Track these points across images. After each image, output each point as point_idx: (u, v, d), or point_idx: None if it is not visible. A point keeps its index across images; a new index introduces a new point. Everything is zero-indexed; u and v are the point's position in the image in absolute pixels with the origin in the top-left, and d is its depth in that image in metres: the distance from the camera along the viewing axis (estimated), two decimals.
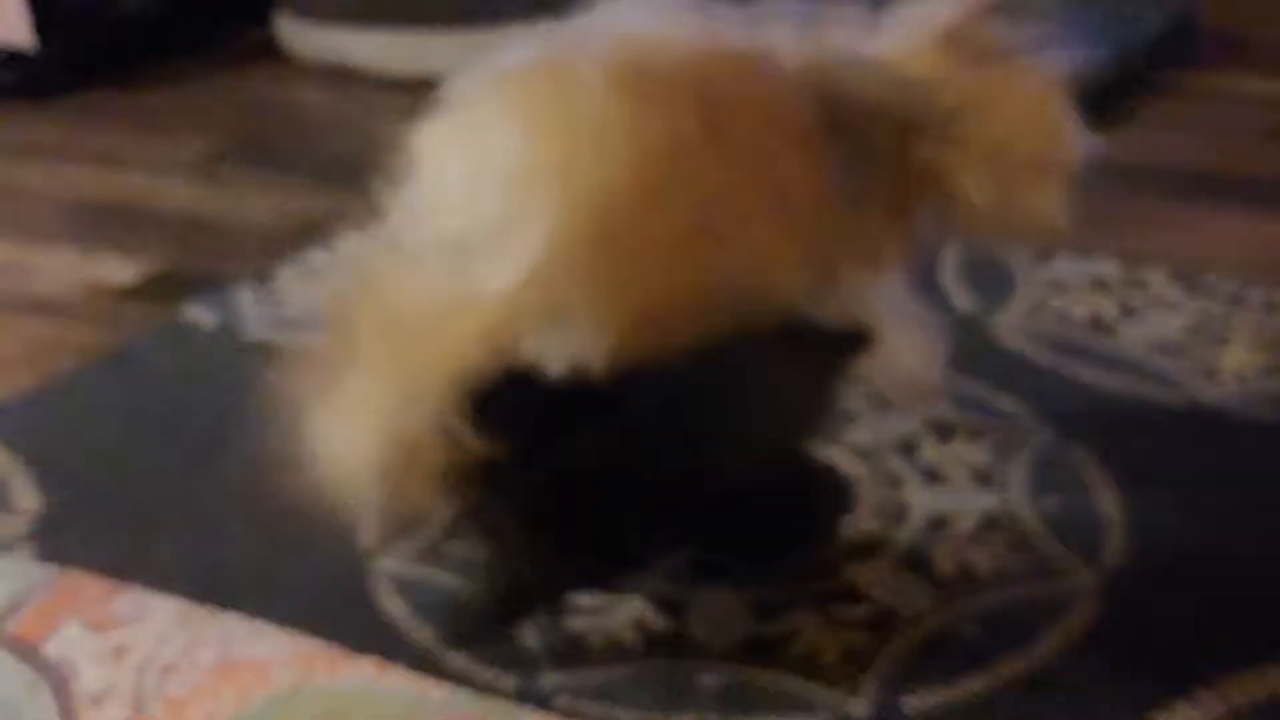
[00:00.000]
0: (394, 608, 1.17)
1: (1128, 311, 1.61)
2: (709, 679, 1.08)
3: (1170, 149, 2.15)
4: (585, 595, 1.13)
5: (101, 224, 2.08)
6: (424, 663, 1.06)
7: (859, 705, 1.05)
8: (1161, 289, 1.66)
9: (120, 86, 2.70)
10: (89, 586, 0.89)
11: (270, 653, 0.75)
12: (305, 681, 0.72)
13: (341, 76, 2.72)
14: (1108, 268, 1.72)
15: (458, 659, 1.09)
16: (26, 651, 0.81)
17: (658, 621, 1.14)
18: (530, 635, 1.13)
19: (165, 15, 2.82)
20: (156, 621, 0.82)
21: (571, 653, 1.11)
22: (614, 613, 1.15)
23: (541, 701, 1.04)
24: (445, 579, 1.20)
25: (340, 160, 2.33)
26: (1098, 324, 1.59)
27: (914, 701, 1.05)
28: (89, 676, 0.78)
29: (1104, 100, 2.30)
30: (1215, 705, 1.03)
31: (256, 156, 2.31)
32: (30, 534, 1.28)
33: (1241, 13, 2.66)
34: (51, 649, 0.81)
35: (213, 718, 0.72)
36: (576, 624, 1.14)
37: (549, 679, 1.08)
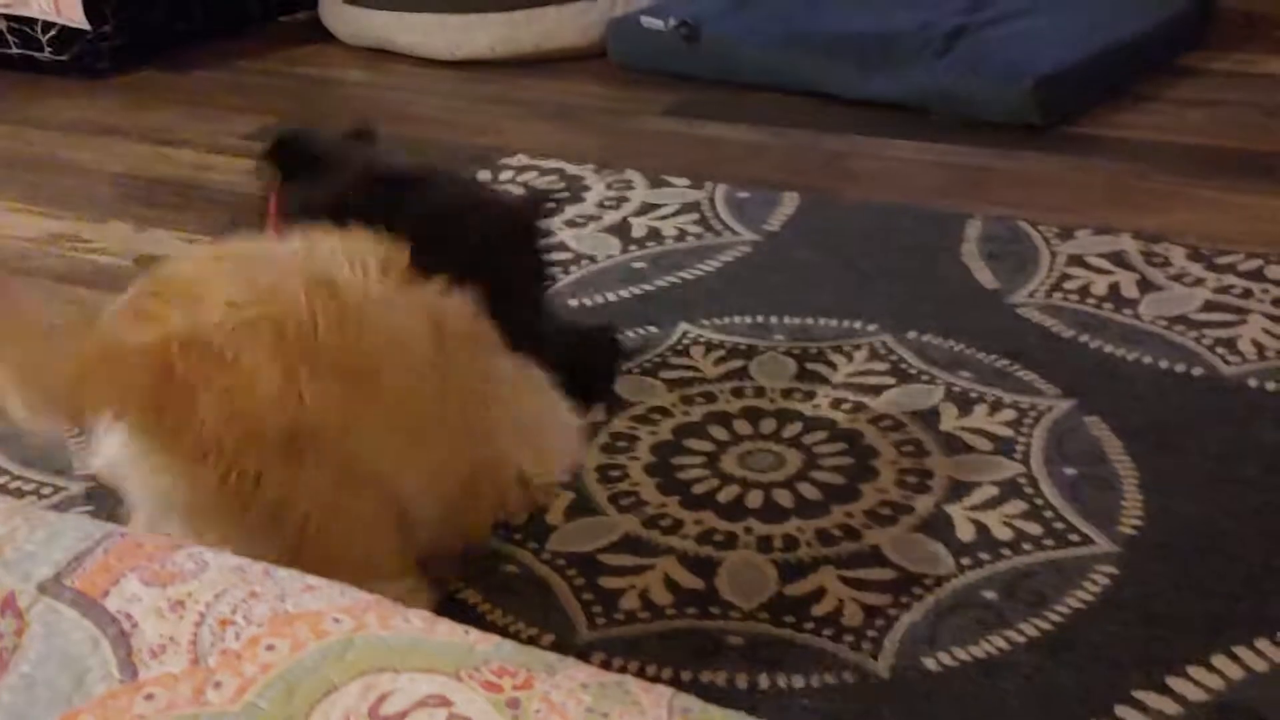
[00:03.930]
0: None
1: (1148, 287, 1.63)
2: (736, 637, 1.12)
3: (1189, 128, 2.16)
4: None
5: (153, 198, 2.12)
6: (470, 618, 1.11)
7: (881, 665, 1.08)
8: (1182, 265, 1.68)
9: (171, 67, 2.75)
10: (148, 543, 0.90)
11: (323, 605, 0.77)
12: (357, 633, 0.75)
13: (384, 58, 2.77)
14: (1128, 244, 1.74)
15: (496, 614, 1.14)
16: (88, 606, 0.82)
17: (687, 581, 1.19)
18: (566, 593, 1.17)
19: None
20: (213, 576, 0.83)
21: (605, 609, 1.16)
22: (646, 572, 1.20)
23: (577, 656, 1.08)
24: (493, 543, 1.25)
25: (382, 136, 2.37)
26: (1118, 299, 1.61)
27: (934, 662, 1.08)
28: (149, 630, 0.78)
29: (1124, 80, 2.31)
30: (1232, 670, 1.05)
31: None
32: (86, 496, 1.34)
33: None
34: (112, 603, 0.81)
35: (268, 668, 0.74)
36: (610, 582, 1.19)
37: (583, 635, 1.13)
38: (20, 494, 1.35)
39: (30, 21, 2.70)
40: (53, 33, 2.69)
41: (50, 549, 0.85)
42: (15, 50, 2.74)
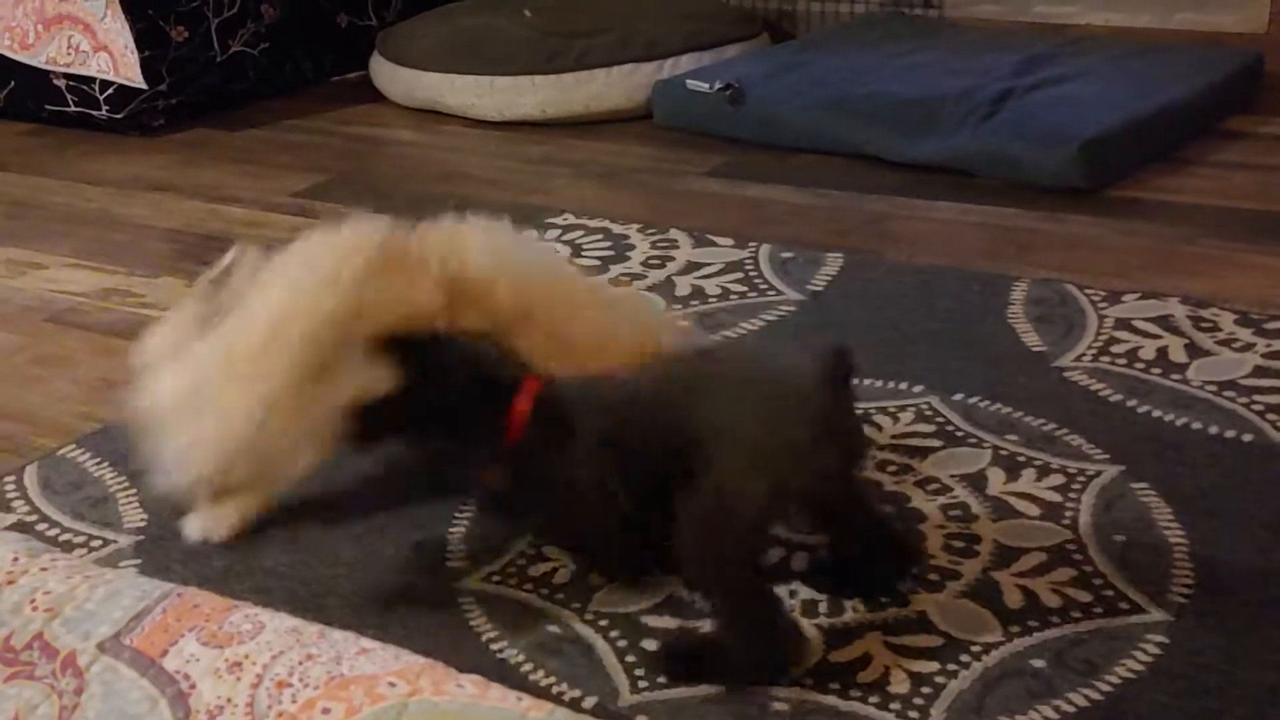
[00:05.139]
0: (478, 623, 1.22)
1: (1196, 352, 1.63)
2: (781, 703, 1.11)
3: (1237, 192, 2.16)
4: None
5: (205, 254, 2.15)
6: (512, 678, 1.11)
7: None
8: (1231, 330, 1.67)
9: (224, 125, 2.81)
10: (205, 603, 0.91)
11: (378, 669, 0.78)
12: (411, 698, 0.75)
13: (434, 119, 2.81)
14: (1176, 308, 1.74)
15: (538, 675, 1.14)
16: (147, 665, 0.83)
17: None
18: (608, 654, 1.17)
19: (268, 59, 2.92)
20: (269, 637, 0.84)
21: (648, 672, 1.15)
22: (692, 634, 1.19)
23: None
24: (524, 596, 1.25)
25: (430, 195, 2.40)
26: (1166, 363, 1.60)
27: None
28: (206, 691, 0.79)
29: (1170, 143, 2.31)
30: None
31: (353, 191, 2.39)
32: (135, 550, 1.35)
33: None
34: (171, 663, 0.82)
35: None
36: (654, 644, 1.18)
37: (626, 698, 1.12)
38: (70, 546, 1.36)
39: (88, 80, 2.76)
40: (110, 91, 2.74)
41: (110, 608, 0.86)
42: (73, 108, 2.80)
